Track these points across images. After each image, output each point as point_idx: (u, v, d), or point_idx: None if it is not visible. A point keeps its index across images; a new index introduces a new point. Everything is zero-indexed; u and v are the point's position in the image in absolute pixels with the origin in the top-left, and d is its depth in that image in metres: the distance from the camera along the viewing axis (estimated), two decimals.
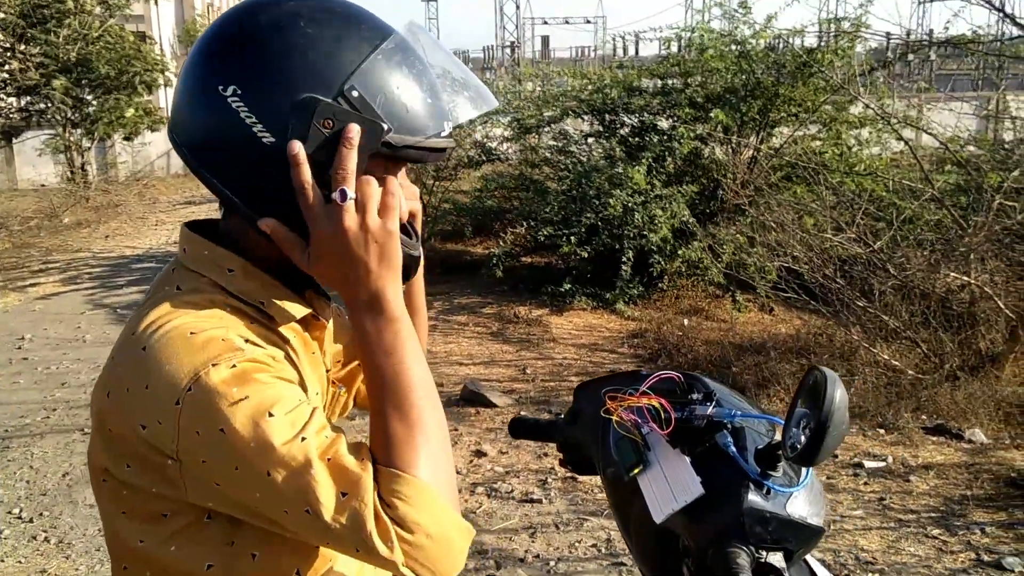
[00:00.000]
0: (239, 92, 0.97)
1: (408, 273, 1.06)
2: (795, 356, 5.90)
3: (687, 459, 1.13)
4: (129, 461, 0.97)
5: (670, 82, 8.42)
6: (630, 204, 7.22)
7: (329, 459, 0.91)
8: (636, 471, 1.17)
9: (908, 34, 12.08)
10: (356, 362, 1.31)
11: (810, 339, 6.33)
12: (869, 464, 4.35)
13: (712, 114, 7.51)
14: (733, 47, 8.03)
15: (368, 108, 0.98)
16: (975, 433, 4.65)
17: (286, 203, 0.99)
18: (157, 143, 19.54)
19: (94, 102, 15.35)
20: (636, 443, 1.19)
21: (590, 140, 8.75)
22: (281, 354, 1.02)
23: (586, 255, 7.37)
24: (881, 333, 5.88)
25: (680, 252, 7.33)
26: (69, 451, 4.83)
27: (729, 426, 1.14)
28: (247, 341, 0.98)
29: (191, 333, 0.96)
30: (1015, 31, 6.58)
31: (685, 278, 7.67)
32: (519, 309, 7.62)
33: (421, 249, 1.13)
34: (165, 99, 21.60)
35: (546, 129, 8.74)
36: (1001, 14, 6.38)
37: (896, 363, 5.44)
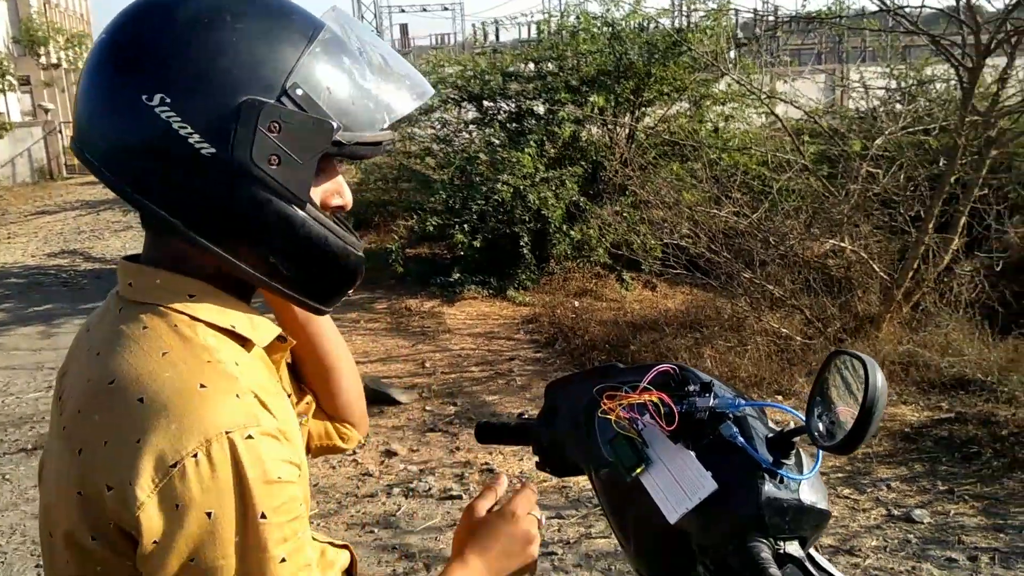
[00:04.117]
0: (168, 100, 0.86)
1: (356, 277, 1.04)
2: (688, 331, 6.02)
3: (692, 454, 1.09)
4: (94, 531, 0.85)
5: (545, 66, 8.44)
6: (521, 188, 7.20)
7: None
8: (638, 471, 1.12)
9: (755, 11, 12.55)
10: (309, 398, 1.23)
11: (699, 312, 6.47)
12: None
13: (591, 100, 7.57)
14: (605, 29, 8.12)
15: (314, 106, 0.91)
16: None
17: (230, 217, 0.91)
18: (0, 150, 18.39)
19: None
20: (634, 441, 1.14)
21: (471, 128, 8.68)
22: (285, 418, 0.93)
23: (479, 244, 7.30)
24: (766, 302, 6.07)
25: (573, 232, 7.36)
26: None
27: (731, 416, 1.11)
28: (255, 397, 0.88)
29: (201, 386, 0.85)
30: (855, 4, 6.90)
31: (571, 260, 7.73)
32: (410, 302, 7.50)
33: None
34: (5, 104, 20.31)
35: (424, 118, 8.60)
36: None
37: (785, 330, 5.63)
